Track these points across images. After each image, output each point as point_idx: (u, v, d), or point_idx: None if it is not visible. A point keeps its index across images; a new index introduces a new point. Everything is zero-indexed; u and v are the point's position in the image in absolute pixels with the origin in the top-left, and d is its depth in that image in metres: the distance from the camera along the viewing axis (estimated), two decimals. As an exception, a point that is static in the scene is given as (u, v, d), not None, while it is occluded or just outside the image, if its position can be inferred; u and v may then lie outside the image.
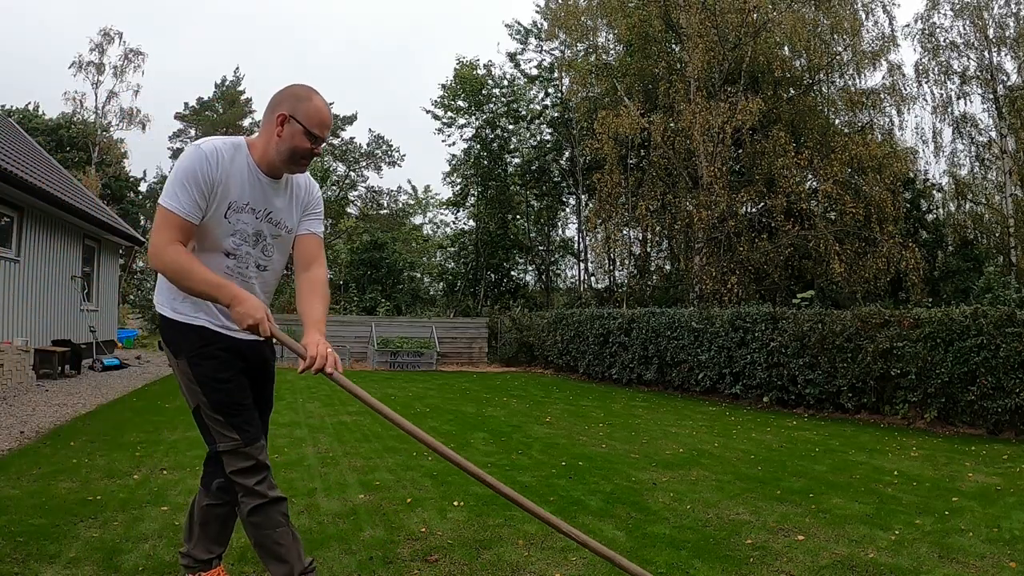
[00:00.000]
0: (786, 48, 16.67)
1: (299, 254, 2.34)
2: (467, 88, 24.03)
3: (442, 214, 31.60)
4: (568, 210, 26.51)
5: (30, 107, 32.11)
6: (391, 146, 36.52)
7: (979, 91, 18.97)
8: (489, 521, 3.42)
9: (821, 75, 16.77)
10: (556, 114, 24.04)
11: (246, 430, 2.18)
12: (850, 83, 17.26)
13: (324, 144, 2.19)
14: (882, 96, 17.34)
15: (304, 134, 2.09)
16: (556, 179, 25.15)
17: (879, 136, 17.09)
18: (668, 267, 21.45)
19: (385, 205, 37.96)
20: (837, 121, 17.43)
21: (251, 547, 2.91)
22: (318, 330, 2.13)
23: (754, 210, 16.98)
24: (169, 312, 2.22)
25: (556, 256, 27.19)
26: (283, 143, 2.11)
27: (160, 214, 2.06)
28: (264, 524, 2.16)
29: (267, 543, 2.17)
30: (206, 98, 48.07)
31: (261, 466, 2.18)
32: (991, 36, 18.39)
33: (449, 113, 25.08)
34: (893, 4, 17.17)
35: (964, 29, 18.87)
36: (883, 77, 18.56)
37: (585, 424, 7.00)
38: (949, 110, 19.46)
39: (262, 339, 2.28)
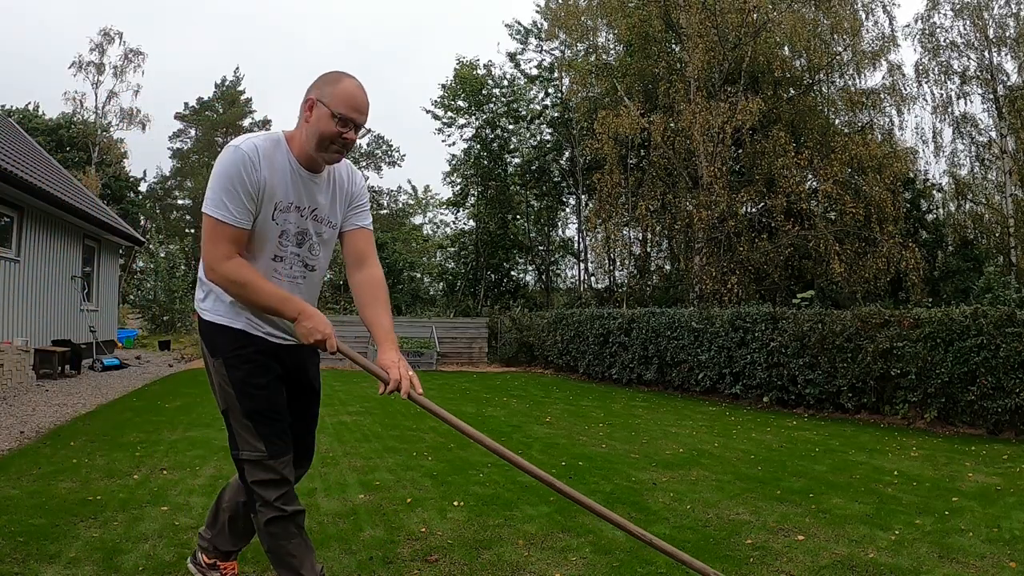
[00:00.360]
0: (786, 48, 16.67)
1: (349, 251, 2.23)
2: (467, 88, 24.03)
3: (442, 214, 31.63)
4: (568, 210, 26.54)
5: (30, 107, 32.12)
6: (391, 146, 36.62)
7: (979, 91, 18.99)
8: (489, 521, 3.42)
9: (821, 75, 16.77)
10: (556, 114, 24.04)
11: (273, 443, 2.11)
12: (850, 83, 17.28)
13: (361, 131, 2.04)
14: (882, 96, 17.35)
15: (331, 117, 1.95)
16: (556, 179, 25.16)
17: (879, 136, 17.09)
18: (668, 267, 21.46)
19: (385, 205, 38.01)
20: (837, 121, 17.43)
21: (251, 547, 2.91)
22: (392, 345, 2.05)
23: (754, 210, 16.98)
24: (209, 314, 2.15)
25: (556, 256, 27.19)
26: (311, 128, 1.99)
27: (208, 225, 1.95)
28: (280, 535, 2.15)
29: (280, 552, 2.17)
30: (206, 98, 48.09)
31: (283, 481, 2.13)
32: (991, 36, 18.40)
33: (449, 113, 25.08)
34: (893, 4, 17.20)
35: (964, 29, 18.89)
36: (883, 77, 18.59)
37: (585, 424, 6.99)
38: (949, 110, 19.48)
39: (304, 345, 2.17)
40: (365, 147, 36.27)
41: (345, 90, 1.98)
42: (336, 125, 1.96)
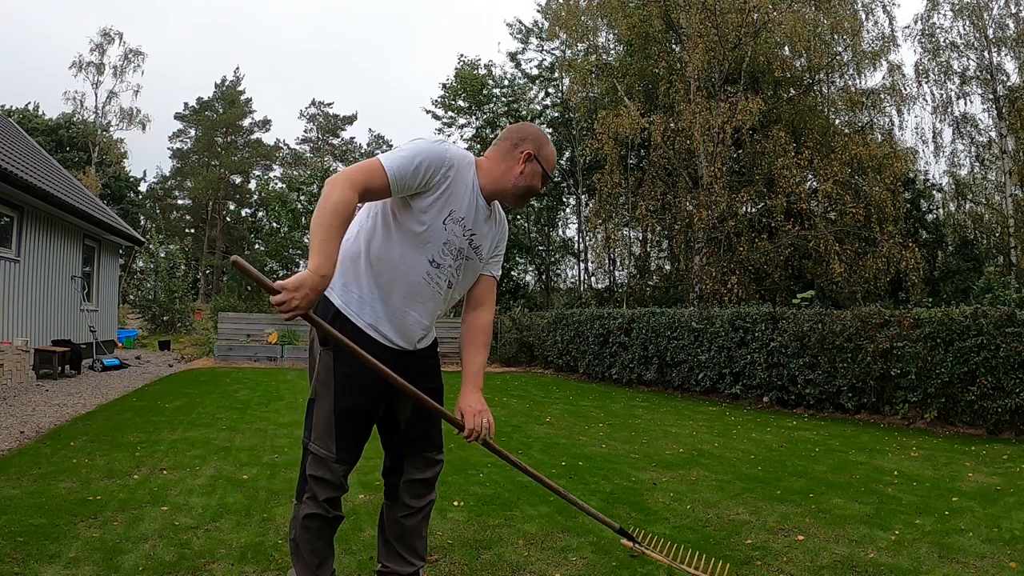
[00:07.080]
0: (786, 48, 16.68)
1: (472, 293, 2.33)
2: (468, 88, 24.01)
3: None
4: (568, 210, 26.53)
5: (30, 107, 32.13)
6: (391, 146, 36.55)
7: (979, 91, 19.00)
8: (489, 521, 3.42)
9: (821, 75, 16.77)
10: (556, 114, 24.04)
11: (344, 449, 2.15)
12: (850, 83, 17.27)
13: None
14: (882, 96, 17.34)
15: (542, 176, 2.18)
16: (556, 179, 25.16)
17: (879, 136, 17.09)
18: (668, 267, 21.45)
19: (385, 205, 38.07)
20: (837, 121, 17.43)
21: (251, 547, 2.92)
22: (476, 388, 2.24)
23: (754, 210, 16.98)
24: (338, 300, 2.12)
25: (556, 256, 27.19)
26: (523, 179, 2.16)
27: (372, 162, 1.96)
28: (313, 531, 2.19)
29: (304, 548, 2.20)
30: (206, 98, 48.10)
31: (337, 486, 2.17)
32: (991, 36, 18.40)
33: (450, 113, 25.07)
34: (893, 4, 17.20)
35: (964, 29, 18.90)
36: (883, 77, 18.60)
37: (585, 424, 6.99)
38: (949, 110, 19.49)
39: (413, 352, 2.22)
40: (365, 147, 36.27)
41: (552, 154, 2.22)
42: (540, 182, 2.19)
